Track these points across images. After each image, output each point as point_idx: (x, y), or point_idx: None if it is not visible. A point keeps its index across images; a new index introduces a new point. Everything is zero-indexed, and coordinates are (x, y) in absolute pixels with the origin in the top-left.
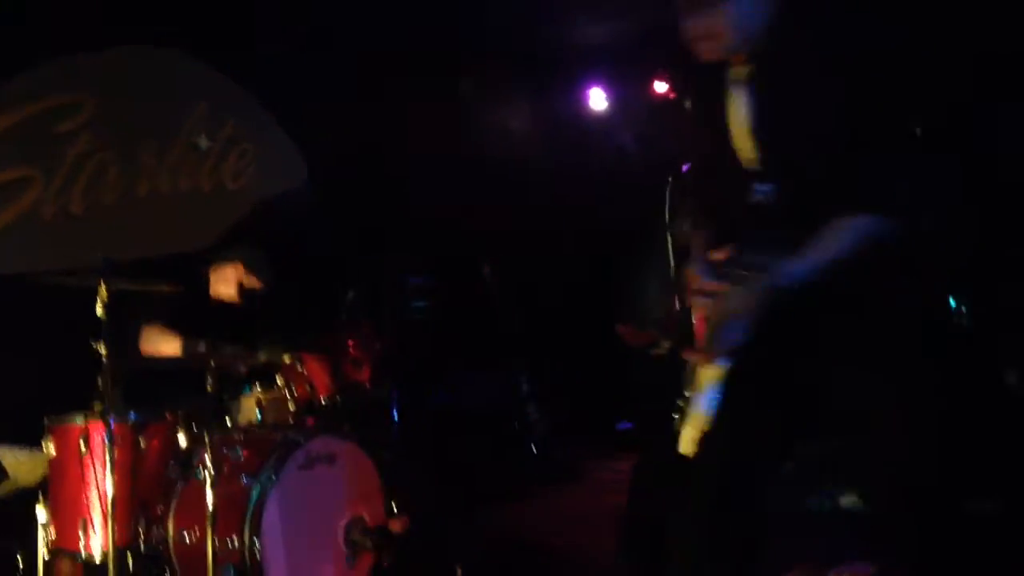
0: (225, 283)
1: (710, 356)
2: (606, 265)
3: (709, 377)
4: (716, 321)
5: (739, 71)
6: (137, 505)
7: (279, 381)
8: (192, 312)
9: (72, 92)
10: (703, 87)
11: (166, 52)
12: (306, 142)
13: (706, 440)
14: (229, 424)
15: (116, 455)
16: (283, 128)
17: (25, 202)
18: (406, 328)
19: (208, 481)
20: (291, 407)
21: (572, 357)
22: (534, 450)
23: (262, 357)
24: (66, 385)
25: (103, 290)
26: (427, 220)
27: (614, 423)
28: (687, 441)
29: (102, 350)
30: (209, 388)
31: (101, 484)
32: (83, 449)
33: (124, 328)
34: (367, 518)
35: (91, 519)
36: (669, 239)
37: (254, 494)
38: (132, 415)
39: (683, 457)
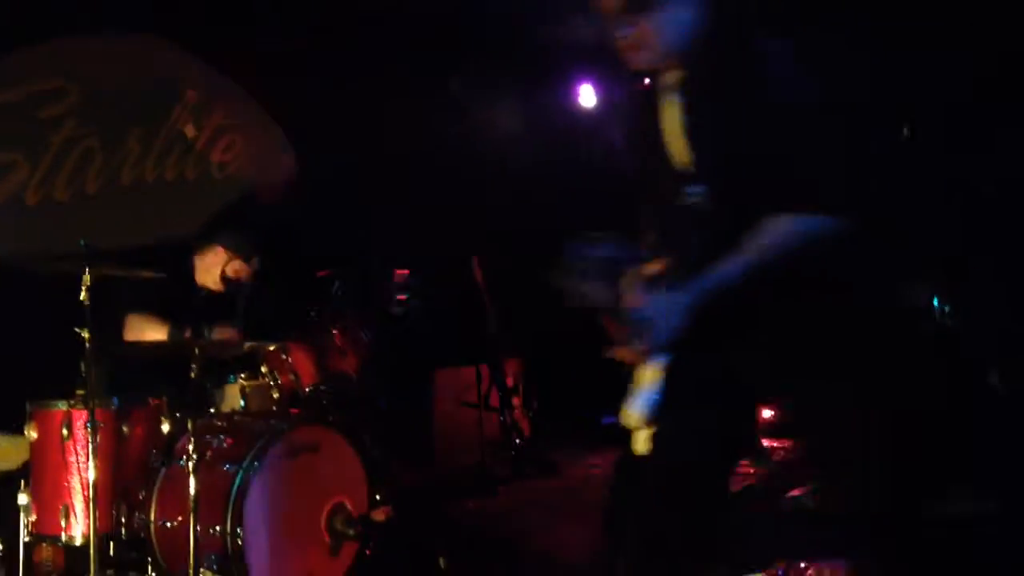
0: (207, 270)
1: (636, 355)
2: None
3: (647, 377)
4: (643, 322)
5: (670, 76)
6: (119, 491)
7: (263, 369)
8: (177, 300)
9: (58, 78)
10: (635, 92)
11: (154, 39)
12: (294, 133)
13: (652, 440)
14: (213, 412)
15: (98, 441)
16: (272, 119)
17: (9, 187)
18: (391, 321)
19: (191, 468)
20: (275, 396)
21: (557, 352)
22: (518, 443)
23: (247, 345)
24: (49, 370)
25: (87, 276)
26: (415, 213)
27: (599, 418)
28: (641, 440)
29: (85, 336)
30: (193, 375)
31: (83, 470)
32: (65, 434)
33: (108, 315)
34: (350, 507)
35: (73, 505)
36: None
37: (237, 482)
38: (115, 401)
39: (639, 456)
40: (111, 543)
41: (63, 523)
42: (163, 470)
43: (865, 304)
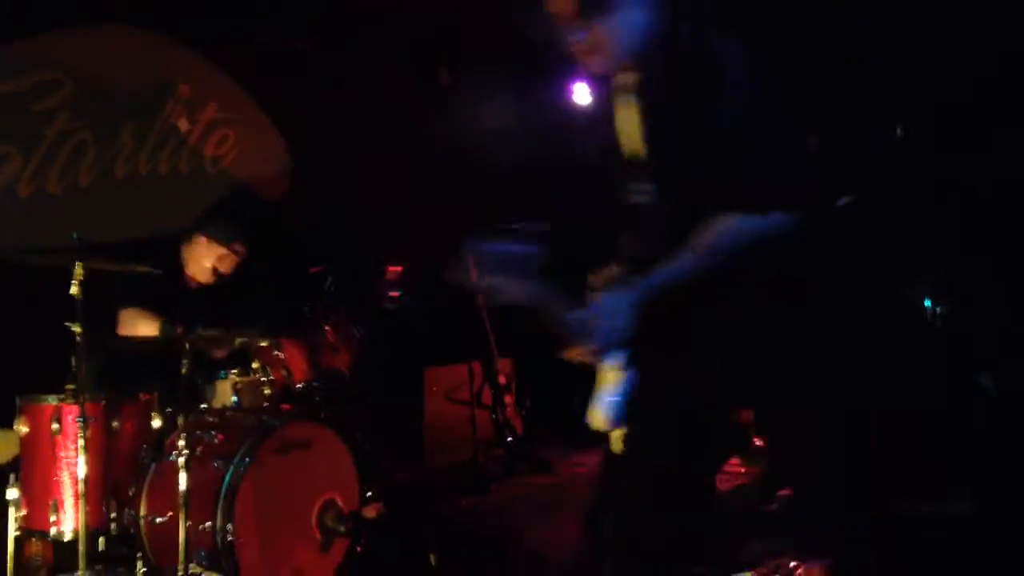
0: (195, 261)
1: (587, 355)
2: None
3: (608, 379)
4: (586, 322)
5: (626, 78)
6: (109, 486)
7: (255, 365)
8: (170, 294)
9: (52, 71)
10: (595, 93)
11: (148, 33)
12: (288, 129)
13: (624, 441)
14: (204, 407)
15: (88, 436)
16: (266, 114)
17: (1, 179)
18: (384, 317)
19: (181, 464)
20: (267, 391)
21: (550, 349)
22: (510, 441)
23: (239, 341)
24: (39, 364)
25: (78, 270)
26: (409, 209)
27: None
28: (615, 439)
29: (76, 330)
30: (184, 371)
31: (73, 464)
32: (55, 429)
33: (99, 309)
34: (341, 504)
35: (62, 499)
36: None
37: (227, 478)
38: (105, 396)
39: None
40: (101, 538)
41: (53, 518)
42: (153, 465)
43: (819, 302)
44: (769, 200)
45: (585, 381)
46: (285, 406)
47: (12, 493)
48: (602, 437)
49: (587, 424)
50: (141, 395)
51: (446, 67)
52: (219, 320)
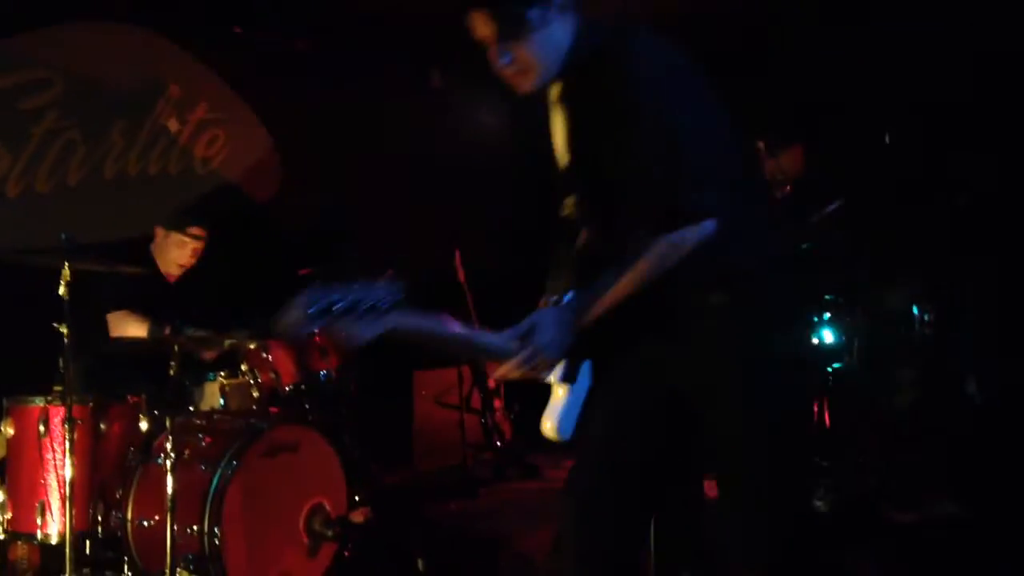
0: (160, 255)
1: (521, 373)
2: None
3: (557, 393)
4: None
5: (555, 88)
6: (96, 489)
7: (244, 368)
8: (154, 295)
9: (41, 68)
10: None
11: (139, 31)
12: (278, 129)
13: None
14: (192, 410)
15: (75, 438)
16: (256, 114)
17: None
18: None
19: (168, 467)
20: (255, 394)
21: None
22: (499, 445)
23: (227, 343)
24: (26, 365)
25: (66, 270)
26: (398, 210)
27: None
28: None
29: (63, 331)
30: (172, 373)
31: (60, 467)
32: (42, 431)
33: (86, 311)
34: (329, 508)
35: (49, 502)
36: None
37: (215, 481)
38: (92, 398)
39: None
40: (87, 542)
41: (39, 521)
42: (141, 468)
43: (755, 304)
44: (698, 211)
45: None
46: (273, 409)
47: None
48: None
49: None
50: (129, 397)
51: (442, 68)
52: (204, 319)
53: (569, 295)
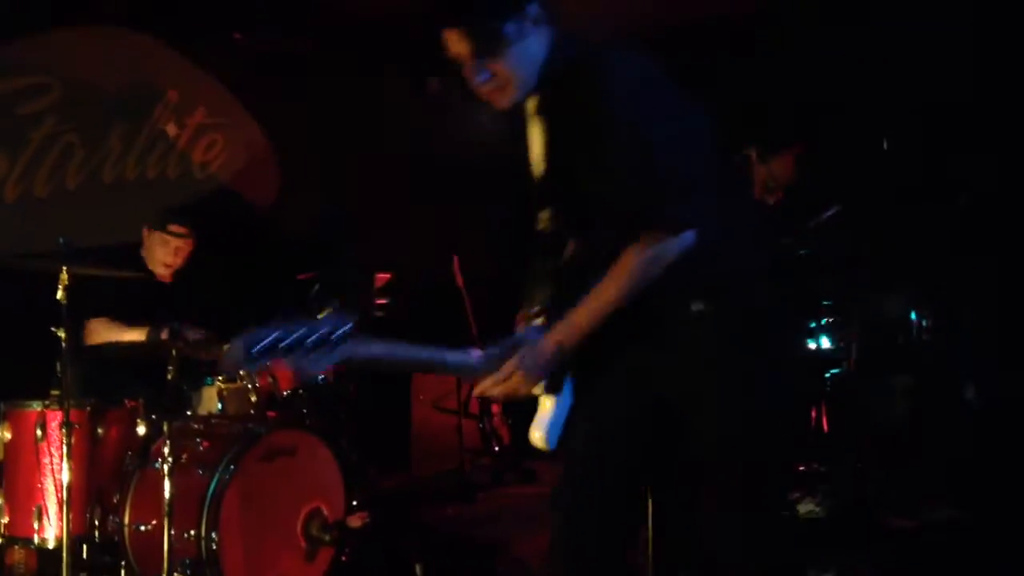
0: (148, 257)
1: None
2: None
3: (545, 405)
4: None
5: (531, 101)
6: (93, 494)
7: (241, 372)
8: (150, 299)
9: (39, 73)
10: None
11: (137, 36)
12: (277, 134)
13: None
14: (189, 414)
15: (73, 442)
16: (255, 119)
17: None
18: (370, 323)
19: (166, 471)
20: (253, 399)
21: None
22: (497, 450)
23: (225, 347)
24: (23, 370)
25: (64, 274)
26: (397, 215)
27: None
28: None
29: (61, 335)
30: (169, 377)
31: (57, 471)
32: (39, 435)
33: (83, 315)
34: (327, 513)
35: (46, 506)
36: None
37: (212, 486)
38: (90, 402)
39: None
40: (84, 546)
41: (36, 525)
42: (138, 473)
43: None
44: (677, 223)
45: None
46: (271, 413)
47: None
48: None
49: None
50: (126, 401)
51: (441, 72)
52: (202, 322)
53: (548, 306)
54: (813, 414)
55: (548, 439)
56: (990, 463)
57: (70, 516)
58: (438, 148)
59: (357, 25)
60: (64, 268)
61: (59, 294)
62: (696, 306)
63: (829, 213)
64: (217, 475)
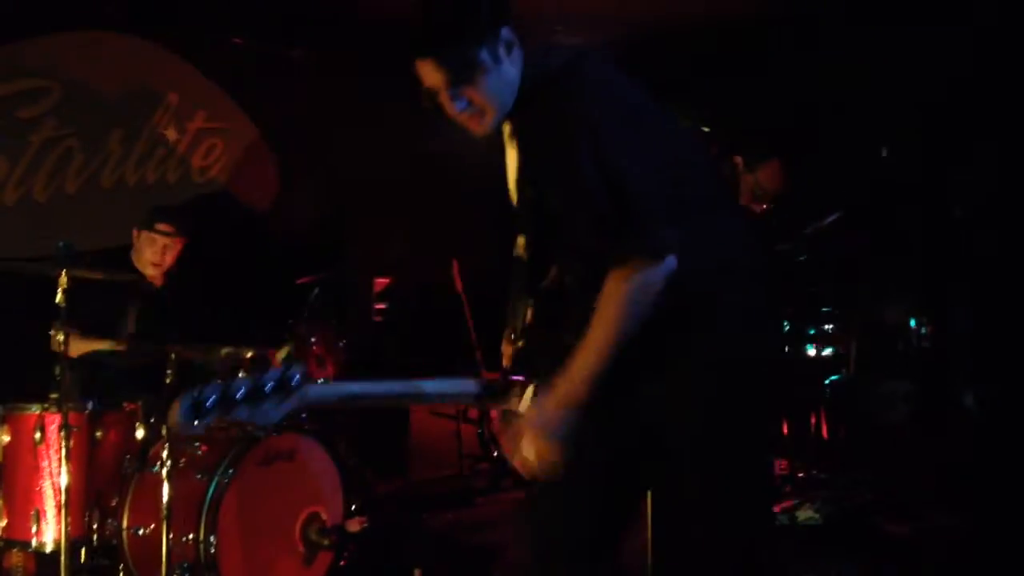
0: (137, 258)
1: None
2: None
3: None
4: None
5: (507, 125)
6: (91, 497)
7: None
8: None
9: (39, 77)
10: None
11: (137, 40)
12: (276, 139)
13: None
14: None
15: (71, 445)
16: (253, 122)
17: None
18: (369, 328)
19: (164, 475)
20: None
21: None
22: (494, 454)
23: (224, 352)
24: (22, 373)
25: (63, 278)
26: (395, 220)
27: None
28: None
29: (60, 338)
30: (168, 381)
31: (55, 474)
32: (38, 438)
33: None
34: (325, 517)
35: (44, 510)
36: None
37: (211, 490)
38: (89, 405)
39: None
40: (82, 549)
41: (34, 528)
42: (136, 476)
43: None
44: (657, 250)
45: None
46: None
47: None
48: None
49: None
50: (125, 405)
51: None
52: (198, 326)
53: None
54: (812, 420)
55: None
56: (989, 469)
57: (68, 519)
58: (437, 152)
59: (356, 29)
60: (63, 271)
61: (58, 297)
62: (683, 335)
63: (830, 219)
64: (215, 479)
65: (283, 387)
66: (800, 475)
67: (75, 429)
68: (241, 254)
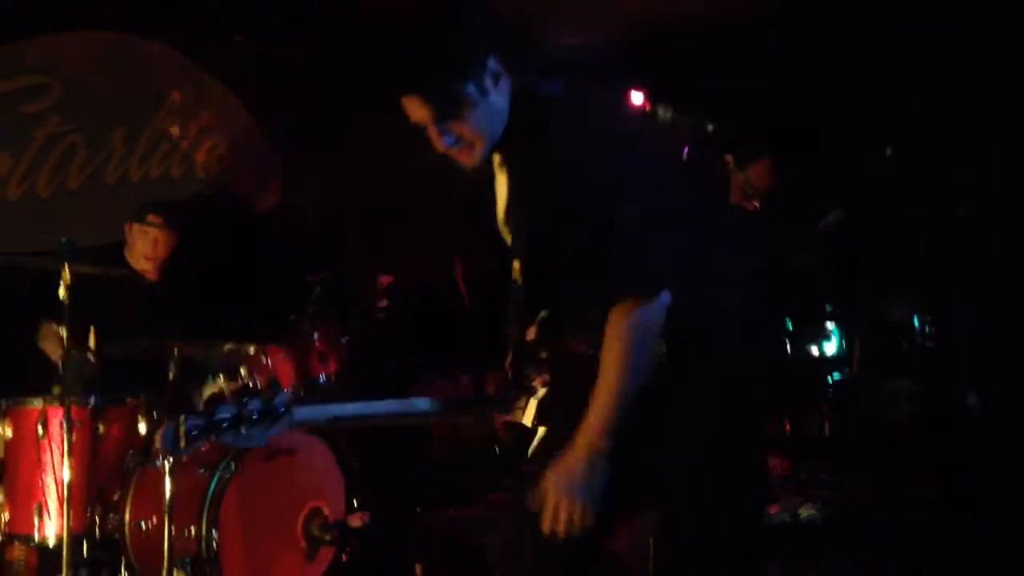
0: (130, 253)
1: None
2: None
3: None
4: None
5: (497, 156)
6: (94, 491)
7: (243, 372)
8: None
9: (42, 74)
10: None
11: (141, 38)
12: (279, 137)
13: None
14: None
15: (74, 440)
16: (256, 120)
17: None
18: (372, 326)
19: (166, 469)
20: None
21: None
22: (497, 452)
23: (227, 347)
24: (25, 367)
25: (66, 273)
26: (398, 218)
27: None
28: None
29: (63, 333)
30: (171, 376)
31: (58, 469)
32: (40, 433)
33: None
34: (327, 512)
35: (46, 504)
36: None
37: (213, 484)
38: (91, 400)
39: None
40: (85, 543)
41: (36, 522)
42: (139, 471)
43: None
44: (651, 289)
45: None
46: None
47: None
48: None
49: None
50: (128, 399)
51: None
52: (198, 323)
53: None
54: (815, 419)
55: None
56: (991, 469)
57: (71, 513)
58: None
59: (359, 27)
60: (66, 267)
61: (61, 293)
62: (680, 368)
63: (833, 219)
64: (218, 474)
65: (269, 414)
66: (802, 474)
67: (78, 424)
68: (243, 251)
